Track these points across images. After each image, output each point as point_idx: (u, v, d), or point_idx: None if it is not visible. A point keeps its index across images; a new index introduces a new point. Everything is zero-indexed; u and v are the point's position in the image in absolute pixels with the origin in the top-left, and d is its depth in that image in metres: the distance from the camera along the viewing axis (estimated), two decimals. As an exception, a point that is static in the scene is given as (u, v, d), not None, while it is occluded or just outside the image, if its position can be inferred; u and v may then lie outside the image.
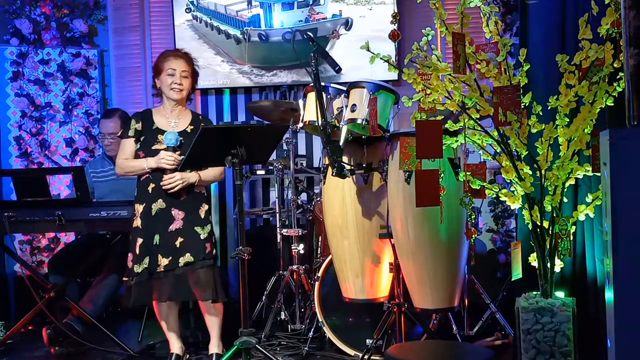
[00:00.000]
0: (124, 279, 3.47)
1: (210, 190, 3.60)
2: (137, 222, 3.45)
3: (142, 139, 3.51)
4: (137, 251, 3.40)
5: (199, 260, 3.40)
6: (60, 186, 5.15)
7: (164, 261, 3.38)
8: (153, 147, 3.47)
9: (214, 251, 3.48)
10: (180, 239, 3.40)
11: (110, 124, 4.38)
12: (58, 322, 3.86)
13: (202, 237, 3.44)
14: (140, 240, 3.41)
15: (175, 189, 3.42)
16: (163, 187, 3.42)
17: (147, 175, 3.47)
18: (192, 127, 3.54)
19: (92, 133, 5.25)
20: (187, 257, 3.38)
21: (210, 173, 3.52)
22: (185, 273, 3.39)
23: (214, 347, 3.53)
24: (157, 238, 3.40)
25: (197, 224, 3.45)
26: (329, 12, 5.15)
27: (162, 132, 3.48)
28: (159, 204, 3.44)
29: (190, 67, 3.57)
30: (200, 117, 3.65)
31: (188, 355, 3.65)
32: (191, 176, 3.45)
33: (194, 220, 3.45)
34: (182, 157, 3.38)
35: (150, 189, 3.46)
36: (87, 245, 4.33)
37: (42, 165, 5.09)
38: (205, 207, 3.51)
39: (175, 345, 3.55)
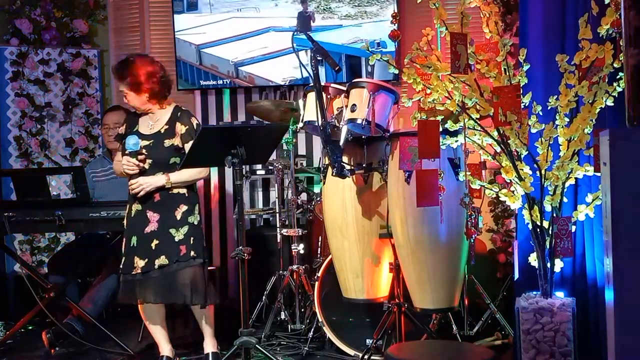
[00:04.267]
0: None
1: (194, 190, 3.49)
2: (125, 223, 3.50)
3: (123, 142, 3.48)
4: (123, 251, 3.45)
5: (173, 263, 3.34)
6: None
7: (140, 263, 3.36)
8: (127, 151, 3.43)
9: (192, 253, 3.37)
10: (155, 241, 3.37)
11: (116, 115, 4.44)
12: (58, 322, 3.86)
13: (176, 239, 3.38)
14: (124, 241, 3.46)
15: (141, 193, 3.38)
16: (131, 192, 3.41)
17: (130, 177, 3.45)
18: (167, 126, 3.45)
19: (92, 133, 5.25)
20: (162, 260, 3.34)
21: (185, 174, 3.39)
22: (168, 275, 3.34)
23: (209, 346, 3.51)
24: (134, 240, 3.40)
25: (172, 225, 3.39)
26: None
27: (140, 135, 3.44)
28: (136, 205, 3.43)
29: (125, 84, 3.41)
30: (179, 113, 3.51)
31: (179, 358, 3.63)
32: (158, 180, 3.38)
33: (168, 222, 3.40)
34: (141, 161, 3.36)
35: (130, 190, 3.45)
36: (87, 245, 4.33)
37: (42, 165, 5.09)
38: (184, 207, 3.42)
39: (165, 348, 3.52)
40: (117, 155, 3.58)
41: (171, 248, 3.36)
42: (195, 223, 3.45)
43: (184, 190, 3.46)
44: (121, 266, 3.42)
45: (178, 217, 3.41)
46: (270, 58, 5.16)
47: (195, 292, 3.35)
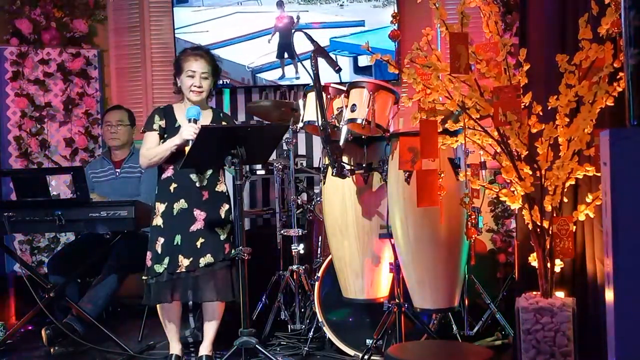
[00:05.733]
0: (143, 277, 3.46)
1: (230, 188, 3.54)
2: (158, 221, 3.44)
3: (165, 136, 3.46)
4: (159, 250, 3.39)
5: (218, 261, 3.39)
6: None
7: (185, 262, 3.36)
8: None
9: (233, 251, 3.44)
10: (201, 240, 3.39)
11: (118, 114, 4.48)
12: (58, 322, 3.86)
13: (221, 237, 3.43)
14: (161, 240, 3.40)
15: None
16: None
17: (169, 175, 3.45)
18: (214, 124, 3.49)
19: (92, 133, 5.25)
20: (208, 258, 3.37)
21: None
22: (206, 274, 3.37)
23: (205, 349, 3.52)
24: (178, 238, 3.39)
25: (218, 224, 3.43)
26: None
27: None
28: (181, 204, 3.42)
29: (210, 67, 3.48)
30: (221, 114, 3.61)
31: (185, 357, 3.64)
32: None
33: (215, 221, 3.43)
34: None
35: (172, 188, 3.43)
36: (87, 245, 4.32)
37: (42, 165, 5.08)
38: (226, 206, 3.49)
39: (176, 347, 3.54)
40: (148, 142, 3.46)
41: (217, 247, 3.40)
42: (232, 221, 3.50)
43: (225, 189, 3.52)
44: (158, 266, 3.36)
45: (222, 216, 3.46)
46: (291, 63, 5.08)
47: (230, 290, 3.40)
